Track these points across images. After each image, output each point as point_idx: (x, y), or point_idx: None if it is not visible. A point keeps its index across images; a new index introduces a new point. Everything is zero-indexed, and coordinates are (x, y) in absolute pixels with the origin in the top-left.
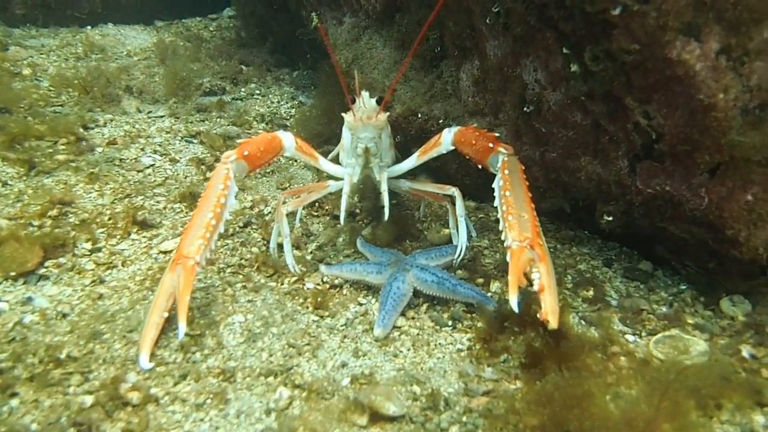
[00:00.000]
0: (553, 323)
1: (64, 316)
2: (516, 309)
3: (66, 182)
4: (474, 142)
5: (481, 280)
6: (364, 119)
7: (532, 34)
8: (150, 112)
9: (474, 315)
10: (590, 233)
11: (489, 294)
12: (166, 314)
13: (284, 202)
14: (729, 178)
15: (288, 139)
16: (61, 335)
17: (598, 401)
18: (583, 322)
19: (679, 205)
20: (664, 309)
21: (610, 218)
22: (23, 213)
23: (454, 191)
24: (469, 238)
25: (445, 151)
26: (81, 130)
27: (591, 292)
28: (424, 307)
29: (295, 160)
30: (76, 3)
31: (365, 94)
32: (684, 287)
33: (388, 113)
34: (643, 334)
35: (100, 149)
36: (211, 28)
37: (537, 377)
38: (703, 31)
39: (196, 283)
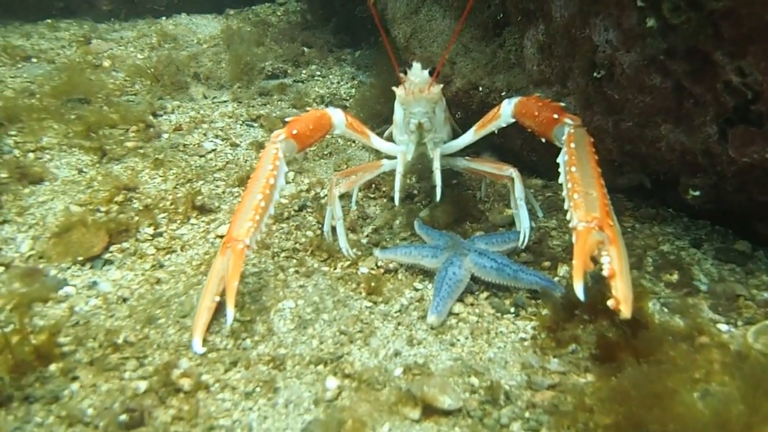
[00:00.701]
0: (625, 312)
1: (124, 300)
2: (581, 297)
3: (133, 168)
4: (537, 113)
5: (547, 264)
6: (416, 92)
7: None
8: (215, 97)
9: (539, 301)
10: (675, 211)
11: (556, 279)
12: (217, 298)
13: (337, 184)
14: None
15: (338, 116)
16: (121, 320)
17: (684, 399)
18: (666, 310)
19: None
20: (765, 295)
21: (697, 193)
22: (92, 199)
23: (512, 172)
24: (535, 218)
25: (504, 124)
26: (150, 117)
27: (675, 276)
28: (485, 293)
29: (354, 141)
30: None
31: (417, 65)
32: None
33: (441, 85)
34: (740, 323)
35: (166, 135)
36: (278, 13)
37: (611, 371)
38: None
39: (250, 268)
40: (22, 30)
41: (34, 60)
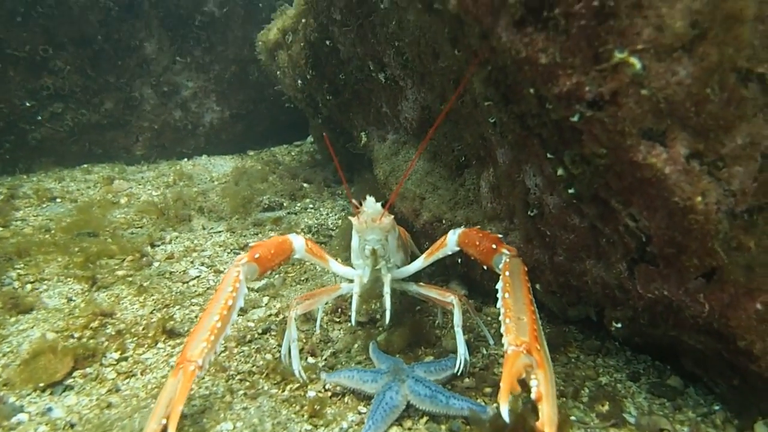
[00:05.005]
0: None
1: (72, 426)
2: (506, 418)
3: (117, 295)
4: (477, 243)
5: (489, 390)
6: (369, 222)
7: (523, 141)
8: (212, 228)
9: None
10: (620, 345)
11: (494, 405)
12: (164, 421)
13: (296, 307)
14: (730, 284)
15: (298, 242)
16: None
17: None
18: None
19: (680, 311)
20: (686, 430)
21: (619, 325)
22: (69, 326)
23: (452, 299)
24: (487, 345)
25: (450, 252)
26: (147, 247)
27: (607, 407)
28: (424, 418)
29: None
30: (185, 142)
31: (370, 198)
32: (717, 407)
33: (392, 216)
34: None
35: (157, 264)
36: (293, 153)
37: None
38: (669, 137)
39: (202, 391)
40: (59, 175)
41: (59, 200)
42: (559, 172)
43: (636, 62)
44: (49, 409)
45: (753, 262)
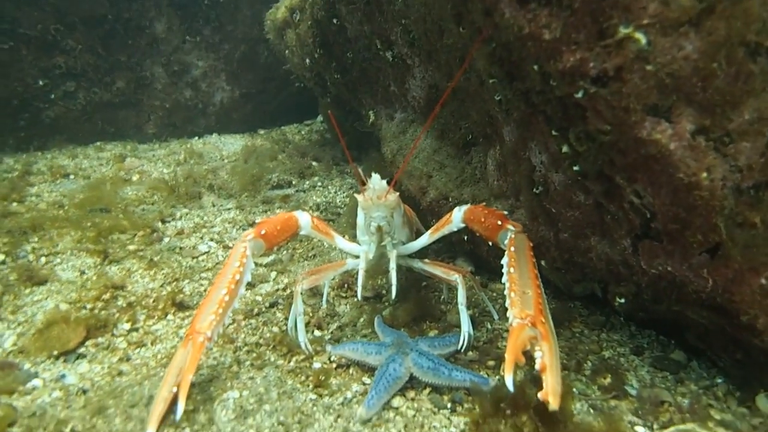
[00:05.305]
0: (553, 404)
1: (84, 392)
2: (511, 388)
3: (128, 269)
4: (483, 219)
5: (492, 363)
6: (374, 199)
7: (528, 118)
8: (222, 205)
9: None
10: (625, 320)
11: (497, 377)
12: (175, 389)
13: (302, 281)
14: (733, 260)
15: (304, 218)
16: (75, 410)
17: None
18: (592, 411)
19: (683, 286)
20: (686, 402)
21: (623, 300)
22: (82, 297)
23: (457, 278)
24: (492, 320)
25: (456, 229)
26: (158, 223)
27: (609, 380)
28: (428, 389)
29: None
30: (195, 121)
31: (376, 176)
32: (720, 380)
33: (397, 193)
34: (655, 426)
35: (167, 239)
36: (303, 132)
37: None
38: (674, 113)
39: (210, 361)
40: (72, 152)
41: (72, 177)
42: (564, 149)
43: (641, 37)
44: (63, 376)
45: (758, 238)
